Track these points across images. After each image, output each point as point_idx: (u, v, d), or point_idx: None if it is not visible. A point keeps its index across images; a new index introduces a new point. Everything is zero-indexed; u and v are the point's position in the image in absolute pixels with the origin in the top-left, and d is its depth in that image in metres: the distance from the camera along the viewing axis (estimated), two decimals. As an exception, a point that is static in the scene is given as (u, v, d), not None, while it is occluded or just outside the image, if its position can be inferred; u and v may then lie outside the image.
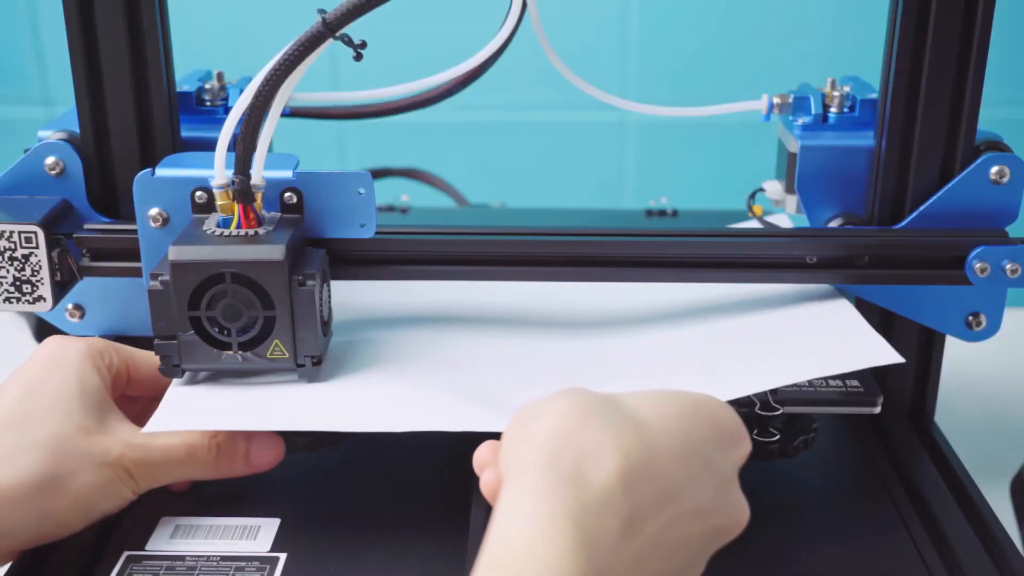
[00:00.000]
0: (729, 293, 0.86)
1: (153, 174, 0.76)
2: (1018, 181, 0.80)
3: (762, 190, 0.91)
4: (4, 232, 0.76)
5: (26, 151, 0.80)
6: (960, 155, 0.80)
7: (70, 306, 0.84)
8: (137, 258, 0.78)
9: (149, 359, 0.76)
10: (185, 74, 0.89)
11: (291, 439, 0.76)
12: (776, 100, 0.87)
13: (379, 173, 1.29)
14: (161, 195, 0.76)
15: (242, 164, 0.73)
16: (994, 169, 0.80)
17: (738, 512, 0.59)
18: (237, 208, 0.73)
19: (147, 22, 0.78)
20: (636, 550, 0.53)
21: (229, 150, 0.73)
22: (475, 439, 0.79)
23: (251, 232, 0.73)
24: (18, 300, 0.78)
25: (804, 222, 0.86)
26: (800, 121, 0.85)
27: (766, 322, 0.82)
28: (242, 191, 0.73)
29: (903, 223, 0.82)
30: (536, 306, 0.87)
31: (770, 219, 0.96)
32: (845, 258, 0.80)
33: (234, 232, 0.73)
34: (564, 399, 0.58)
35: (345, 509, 0.75)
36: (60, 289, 0.79)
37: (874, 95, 0.84)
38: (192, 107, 0.87)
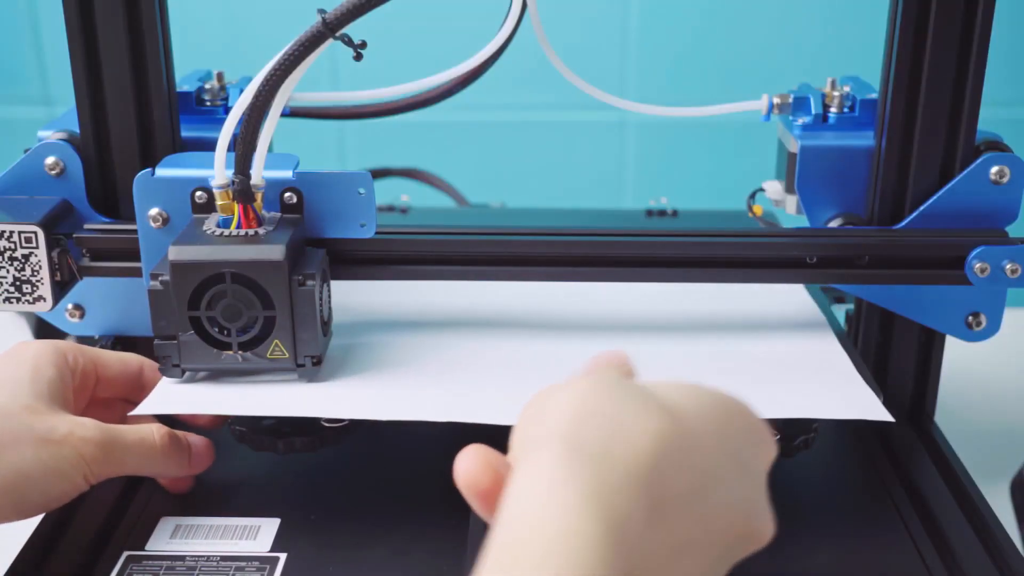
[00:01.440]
0: (723, 310, 0.87)
1: (153, 174, 0.76)
2: (1018, 181, 0.80)
3: (762, 190, 0.91)
4: (4, 232, 0.76)
5: (26, 151, 0.80)
6: (960, 155, 0.80)
7: (70, 306, 0.84)
8: (137, 258, 0.78)
9: (116, 359, 0.76)
10: (185, 74, 0.89)
11: (291, 440, 0.76)
12: (776, 100, 0.87)
13: (379, 173, 1.29)
14: (161, 195, 0.76)
15: (242, 164, 0.73)
16: (994, 169, 0.80)
17: (767, 520, 0.53)
18: (237, 208, 0.73)
19: (147, 22, 0.78)
20: (665, 543, 0.48)
21: (229, 150, 0.73)
22: (475, 439, 0.79)
23: (251, 232, 0.73)
24: (18, 300, 0.78)
25: (804, 222, 0.86)
26: (800, 121, 0.85)
27: (757, 352, 0.82)
28: (242, 191, 0.73)
29: (903, 223, 0.82)
30: (536, 308, 0.87)
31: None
32: (845, 258, 0.80)
33: (234, 232, 0.73)
34: (590, 378, 0.53)
35: (345, 509, 0.75)
36: (60, 289, 0.79)
37: (874, 95, 0.84)
38: (192, 107, 0.87)
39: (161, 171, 0.76)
